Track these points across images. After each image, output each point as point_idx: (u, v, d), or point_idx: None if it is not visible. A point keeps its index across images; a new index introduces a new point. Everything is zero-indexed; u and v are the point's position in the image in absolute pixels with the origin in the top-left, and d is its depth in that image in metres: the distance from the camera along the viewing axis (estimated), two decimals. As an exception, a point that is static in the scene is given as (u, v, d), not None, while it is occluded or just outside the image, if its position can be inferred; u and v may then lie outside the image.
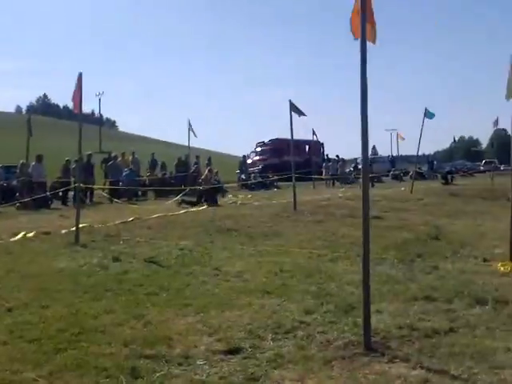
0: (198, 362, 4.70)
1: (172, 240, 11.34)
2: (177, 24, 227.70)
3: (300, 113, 16.98)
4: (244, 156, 39.06)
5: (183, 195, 21.51)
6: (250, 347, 5.02)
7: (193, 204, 19.32)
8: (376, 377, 4.30)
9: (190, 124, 25.07)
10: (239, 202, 21.07)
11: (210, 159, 31.53)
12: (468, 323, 5.61)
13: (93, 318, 6.07)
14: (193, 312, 6.23)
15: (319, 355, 4.77)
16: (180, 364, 4.68)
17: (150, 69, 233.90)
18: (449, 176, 32.12)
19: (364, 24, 4.99)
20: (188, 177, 26.38)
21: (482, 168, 49.15)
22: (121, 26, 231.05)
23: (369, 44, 5.11)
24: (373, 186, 30.55)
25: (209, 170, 23.58)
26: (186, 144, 26.47)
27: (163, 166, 29.37)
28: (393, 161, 47.96)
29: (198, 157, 30.60)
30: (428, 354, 4.76)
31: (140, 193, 25.24)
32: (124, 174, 24.19)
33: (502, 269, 8.18)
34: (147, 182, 26.58)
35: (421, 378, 4.23)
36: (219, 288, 7.39)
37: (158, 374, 4.42)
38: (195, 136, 25.40)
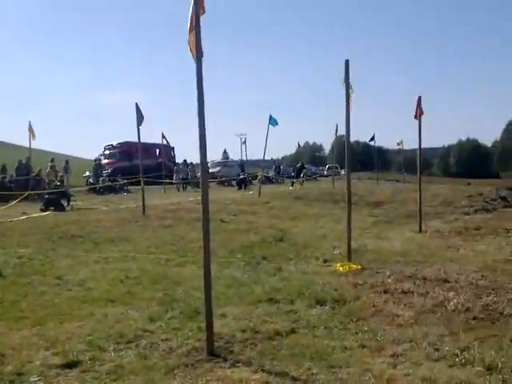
0: (32, 379, 4.42)
1: (10, 248, 10.66)
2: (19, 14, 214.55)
3: (141, 117, 16.75)
4: (96, 159, 37.83)
5: (24, 199, 20.31)
6: (90, 359, 4.82)
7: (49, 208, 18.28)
8: (218, 383, 4.30)
9: (30, 125, 23.77)
10: (86, 206, 20.31)
11: (67, 162, 30.36)
12: (308, 323, 5.81)
13: None
14: (29, 325, 5.88)
15: (161, 364, 4.68)
16: (12, 382, 4.39)
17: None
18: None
19: (199, 40, 4.96)
20: (30, 181, 24.98)
21: (325, 173, 51.64)
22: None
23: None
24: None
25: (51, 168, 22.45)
26: (27, 145, 25.05)
27: (3, 169, 27.56)
28: (242, 165, 48.87)
29: (52, 159, 29.31)
30: (270, 357, 4.85)
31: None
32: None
33: (340, 269, 8.60)
34: (-16, 185, 24.78)
35: (262, 382, 4.30)
36: (59, 298, 7.05)
37: (-15, 395, 4.09)
38: (34, 138, 24.11)
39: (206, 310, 5.09)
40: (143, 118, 16.85)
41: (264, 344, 5.19)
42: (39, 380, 4.40)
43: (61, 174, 27.18)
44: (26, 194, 21.43)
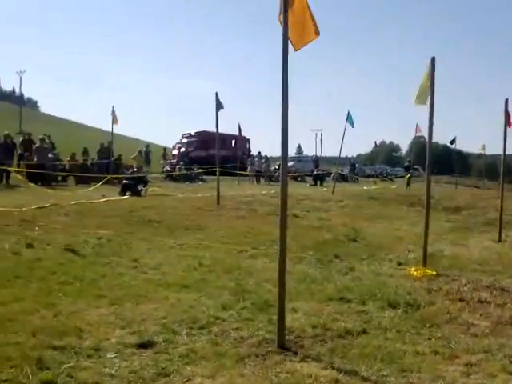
0: (109, 355, 4.58)
1: (90, 229, 11.04)
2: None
3: (220, 106, 16.99)
4: (164, 148, 38.66)
5: (104, 183, 21.00)
6: (164, 341, 4.95)
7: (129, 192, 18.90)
8: (287, 375, 4.32)
9: (113, 110, 24.54)
10: (162, 193, 20.80)
11: (147, 147, 31.34)
12: (380, 325, 5.74)
13: (1, 305, 5.82)
14: (106, 304, 6.09)
15: (232, 352, 4.75)
16: (90, 356, 4.55)
17: (74, 49, 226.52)
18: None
19: (286, 22, 4.96)
20: (110, 164, 25.79)
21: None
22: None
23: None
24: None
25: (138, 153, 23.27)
26: (109, 130, 25.89)
27: (85, 152, 28.53)
28: (317, 161, 48.70)
29: (147, 146, 30.57)
30: (340, 355, 4.83)
31: (60, 178, 24.45)
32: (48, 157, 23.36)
33: (415, 273, 8.44)
34: (67, 167, 25.76)
35: (331, 378, 4.28)
36: (136, 280, 7.27)
37: (65, 366, 4.28)
38: (116, 123, 24.89)
39: (278, 303, 5.12)
40: (223, 106, 17.08)
41: (334, 342, 5.18)
42: (115, 357, 4.56)
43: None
44: (108, 177, 22.11)
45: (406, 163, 39.71)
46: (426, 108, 8.98)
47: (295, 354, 4.80)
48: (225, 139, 36.35)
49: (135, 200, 17.00)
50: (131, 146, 39.22)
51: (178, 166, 33.01)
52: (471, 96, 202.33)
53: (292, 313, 5.91)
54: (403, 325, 5.79)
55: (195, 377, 4.23)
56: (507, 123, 12.66)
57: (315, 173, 35.34)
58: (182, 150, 40.89)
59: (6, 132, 23.05)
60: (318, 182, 32.20)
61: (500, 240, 12.92)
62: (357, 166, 47.60)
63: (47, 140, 25.20)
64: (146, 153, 32.55)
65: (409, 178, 33.46)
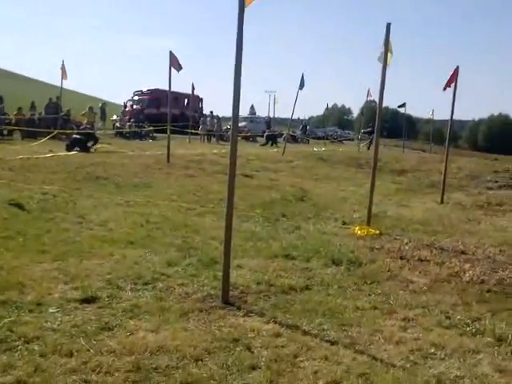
0: (51, 310, 4.56)
1: (35, 184, 10.81)
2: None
3: (178, 67, 16.70)
4: (103, 103, 37.82)
5: (51, 138, 20.51)
6: (107, 297, 4.95)
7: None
8: (230, 329, 4.39)
9: (63, 64, 23.79)
10: (111, 150, 20.46)
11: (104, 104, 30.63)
12: (323, 282, 5.88)
13: None
14: (50, 259, 6.02)
15: (176, 307, 4.80)
16: (31, 311, 4.52)
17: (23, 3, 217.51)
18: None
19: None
20: (59, 119, 25.13)
21: (359, 137, 50.66)
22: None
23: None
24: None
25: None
26: (59, 85, 25.14)
27: (32, 107, 27.71)
28: (268, 122, 48.64)
29: (104, 103, 29.93)
30: (282, 310, 4.94)
31: (5, 132, 23.69)
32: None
33: (358, 232, 8.63)
34: (13, 121, 24.97)
35: (273, 332, 4.38)
36: (81, 236, 7.19)
37: (5, 320, 4.23)
38: (65, 78, 24.15)
39: (224, 259, 5.17)
40: (181, 67, 16.80)
41: (278, 297, 5.29)
42: (58, 312, 4.53)
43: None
44: (55, 132, 21.57)
45: (369, 128, 40.31)
46: (377, 73, 9.11)
47: (239, 309, 4.89)
48: (177, 98, 35.90)
49: (83, 156, 16.66)
50: (83, 102, 38.31)
51: (128, 124, 32.47)
52: (423, 63, 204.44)
53: (237, 269, 5.99)
54: (345, 281, 5.95)
55: (138, 331, 4.26)
56: (446, 86, 12.94)
57: (267, 133, 35.30)
58: (136, 107, 40.13)
59: None
60: (270, 143, 32.20)
61: (442, 202, 13.31)
62: (308, 127, 47.75)
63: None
64: (103, 110, 31.92)
65: (370, 141, 33.99)
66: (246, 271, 6.06)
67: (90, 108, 28.16)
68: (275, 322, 4.62)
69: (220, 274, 5.32)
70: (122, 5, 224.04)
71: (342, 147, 36.69)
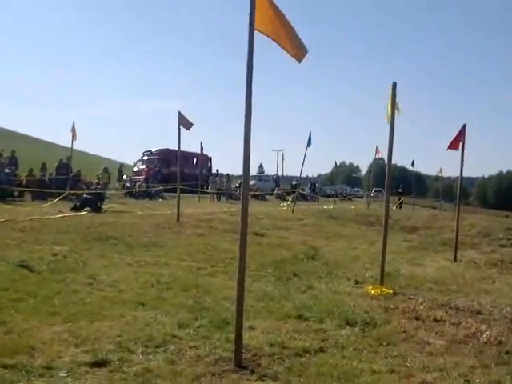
0: (61, 374, 4.47)
1: (46, 245, 10.82)
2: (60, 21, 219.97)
3: (188, 124, 16.94)
4: (121, 165, 38.35)
5: (62, 198, 20.67)
6: (118, 360, 4.85)
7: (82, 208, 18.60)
8: (244, 394, 4.28)
9: (73, 126, 24.20)
10: (121, 210, 20.55)
11: (120, 168, 31.04)
12: (337, 344, 5.75)
13: None
14: (60, 321, 5.95)
15: (189, 370, 4.69)
16: (41, 375, 4.44)
17: (34, 65, 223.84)
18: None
19: (251, 39, 4.98)
20: (69, 180, 25.38)
21: (372, 195, 50.97)
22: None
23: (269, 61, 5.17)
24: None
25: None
26: (69, 146, 25.52)
27: (43, 167, 28.08)
28: (277, 180, 48.97)
29: (106, 168, 30.50)
30: (297, 373, 4.82)
31: (16, 193, 23.93)
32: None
33: (372, 292, 8.51)
34: (24, 182, 25.24)
35: (287, 397, 4.27)
36: (91, 297, 7.12)
37: (15, 385, 4.15)
38: (75, 139, 24.52)
39: (236, 321, 5.09)
40: (192, 123, 17.04)
41: (292, 360, 5.16)
42: (68, 376, 4.45)
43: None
44: (66, 192, 21.77)
45: (400, 189, 41.54)
46: (385, 130, 9.20)
47: (252, 372, 4.77)
48: (186, 157, 36.29)
49: (93, 216, 16.73)
50: (93, 163, 38.81)
51: (138, 183, 32.73)
52: (430, 119, 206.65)
53: (250, 331, 5.88)
54: (360, 343, 5.82)
55: (150, 396, 4.16)
56: (455, 146, 12.99)
57: (276, 191, 35.48)
58: (147, 167, 40.52)
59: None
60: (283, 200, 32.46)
61: (455, 260, 13.16)
62: (317, 185, 47.99)
63: (4, 155, 24.80)
64: (120, 171, 32.48)
65: (401, 202, 35.52)
66: (258, 333, 5.95)
67: (105, 169, 28.61)
68: (289, 387, 4.50)
69: (232, 335, 5.23)
70: (130, 69, 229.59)
71: (352, 205, 36.68)
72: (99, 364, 4.74)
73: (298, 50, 5.26)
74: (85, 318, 6.10)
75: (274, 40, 5.17)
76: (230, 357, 5.02)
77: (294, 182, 42.78)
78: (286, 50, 5.17)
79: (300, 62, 5.31)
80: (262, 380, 4.62)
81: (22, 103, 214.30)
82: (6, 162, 24.38)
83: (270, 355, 5.25)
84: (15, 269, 8.47)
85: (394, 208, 32.37)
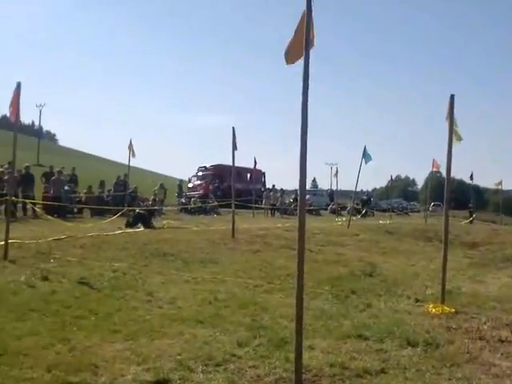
0: (124, 393, 4.52)
1: (105, 261, 11.03)
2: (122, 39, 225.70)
3: (235, 145, 17.19)
4: (180, 180, 38.97)
5: (120, 215, 21.10)
6: (179, 379, 4.88)
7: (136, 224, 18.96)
8: (305, 416, 4.22)
9: (131, 143, 24.74)
10: (176, 226, 20.82)
11: (162, 185, 31.61)
12: (399, 364, 5.62)
13: (16, 339, 5.80)
14: (121, 339, 6.04)
15: (249, 391, 4.67)
16: (105, 394, 4.49)
17: (92, 85, 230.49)
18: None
19: (307, 57, 4.98)
20: (126, 197, 25.91)
21: (430, 209, 50.00)
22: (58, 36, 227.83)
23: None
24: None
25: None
26: (126, 163, 26.09)
27: (101, 184, 28.80)
28: (331, 194, 48.62)
29: (162, 184, 31.06)
30: (358, 395, 4.73)
31: (75, 210, 24.60)
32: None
33: (433, 310, 8.30)
34: (83, 199, 25.94)
35: (350, 419, 4.18)
36: (151, 314, 7.21)
37: (80, 404, 4.22)
38: (134, 156, 25.04)
39: (296, 340, 5.02)
40: (236, 148, 17.30)
41: (353, 381, 5.08)
42: (130, 394, 4.50)
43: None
44: (125, 209, 22.21)
45: (470, 205, 41.52)
46: (442, 143, 9.02)
47: (313, 393, 4.71)
48: (240, 172, 36.49)
49: (150, 233, 17.00)
50: (144, 178, 39.53)
51: (192, 199, 33.10)
52: (487, 131, 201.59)
53: (309, 350, 5.81)
54: (423, 364, 5.67)
55: (211, 416, 4.15)
56: None
57: (331, 206, 35.22)
58: (197, 182, 40.98)
59: (26, 164, 23.39)
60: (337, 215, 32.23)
61: (519, 277, 12.72)
62: (372, 199, 47.38)
63: (64, 172, 25.56)
64: (180, 187, 33.12)
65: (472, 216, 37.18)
66: (318, 352, 5.87)
67: (161, 185, 29.14)
68: (352, 409, 4.41)
69: (291, 355, 5.17)
70: (182, 83, 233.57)
71: (409, 219, 36.05)
72: (161, 383, 4.78)
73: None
74: (145, 336, 6.17)
75: None
76: (290, 377, 4.96)
77: (365, 197, 42.74)
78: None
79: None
80: (324, 402, 4.55)
81: (82, 123, 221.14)
82: (66, 180, 25.09)
83: (331, 376, 5.18)
84: (77, 286, 8.68)
85: (463, 223, 32.05)
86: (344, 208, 38.27)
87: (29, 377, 4.74)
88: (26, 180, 22.13)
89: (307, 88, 5.02)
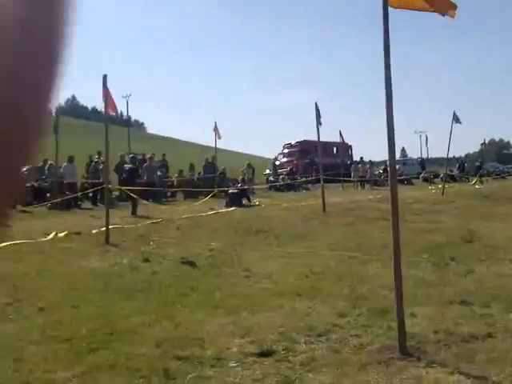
0: (231, 364, 4.64)
1: (201, 241, 11.32)
2: (203, 24, 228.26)
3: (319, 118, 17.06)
4: (275, 158, 39.32)
5: (211, 196, 21.57)
6: (283, 350, 4.95)
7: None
8: (413, 381, 4.19)
9: (216, 126, 25.13)
10: (267, 203, 21.00)
11: (249, 164, 31.98)
12: (506, 329, 5.43)
13: (124, 318, 6.07)
14: (224, 313, 6.18)
15: (354, 359, 4.67)
16: (212, 366, 4.63)
17: (175, 70, 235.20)
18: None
19: (386, 17, 4.86)
20: (216, 178, 26.42)
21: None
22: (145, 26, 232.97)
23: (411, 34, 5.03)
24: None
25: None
26: (213, 145, 26.54)
27: (191, 168, 29.52)
28: (422, 163, 47.35)
29: (249, 164, 31.51)
30: (466, 360, 4.62)
31: (169, 194, 25.42)
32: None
33: (539, 273, 7.95)
34: (175, 183, 26.72)
35: (459, 384, 4.11)
36: (250, 290, 7.34)
37: (190, 376, 4.37)
38: (219, 138, 25.43)
39: (396, 308, 4.98)
40: (320, 122, 17.19)
41: (459, 346, 4.95)
42: (237, 366, 4.61)
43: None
44: (216, 190, 22.68)
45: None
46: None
47: (419, 359, 4.64)
48: (326, 147, 36.24)
49: (242, 211, 17.27)
50: (232, 159, 40.08)
51: (281, 176, 33.23)
52: None
53: (411, 318, 5.72)
54: (532, 327, 5.46)
55: (318, 384, 4.19)
56: None
57: (423, 175, 34.36)
58: (284, 160, 41.07)
59: (121, 153, 24.39)
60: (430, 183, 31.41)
61: None
62: (466, 165, 45.74)
63: (155, 159, 26.39)
64: (274, 165, 33.51)
65: None
66: (420, 319, 5.78)
67: (249, 164, 29.48)
68: (460, 373, 4.32)
69: (393, 323, 5.13)
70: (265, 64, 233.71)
71: (505, 183, 34.57)
72: (265, 354, 4.86)
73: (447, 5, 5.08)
74: (246, 310, 6.29)
75: (413, 9, 5.03)
76: (394, 344, 4.92)
77: (477, 163, 41.30)
78: (433, 11, 5.00)
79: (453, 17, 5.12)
80: (431, 367, 4.48)
81: (168, 110, 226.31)
82: (157, 166, 25.90)
83: (436, 342, 5.08)
84: (176, 266, 8.97)
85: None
86: (437, 176, 37.21)
87: (139, 352, 4.95)
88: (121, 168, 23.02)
89: (388, 48, 4.92)
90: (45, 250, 10.55)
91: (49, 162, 22.99)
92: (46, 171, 22.88)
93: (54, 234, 12.28)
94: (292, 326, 5.65)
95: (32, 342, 5.30)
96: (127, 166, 19.65)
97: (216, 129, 25.31)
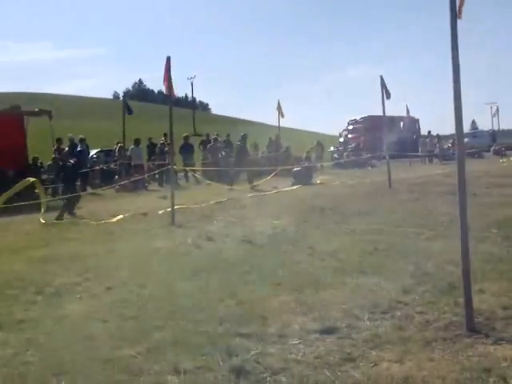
0: (293, 341, 4.64)
1: (265, 219, 11.34)
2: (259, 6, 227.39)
3: (387, 94, 16.67)
4: (340, 135, 38.96)
5: (274, 175, 21.59)
6: (346, 327, 4.91)
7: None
8: (480, 359, 4.07)
9: (279, 104, 25.03)
10: (331, 181, 20.84)
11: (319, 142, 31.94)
12: None
13: (187, 296, 6.17)
14: (286, 291, 6.19)
15: (418, 336, 4.58)
16: (275, 343, 4.65)
17: (237, 50, 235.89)
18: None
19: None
20: (279, 157, 26.40)
21: None
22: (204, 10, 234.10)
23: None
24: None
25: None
26: (276, 124, 26.49)
27: (255, 147, 29.62)
28: (494, 135, 45.68)
29: (319, 141, 31.47)
30: (536, 337, 4.46)
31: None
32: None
33: None
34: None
35: (530, 361, 3.96)
36: (313, 267, 7.31)
37: (253, 352, 4.41)
38: (283, 116, 25.32)
39: (464, 284, 4.83)
40: (390, 93, 16.81)
41: (530, 324, 4.78)
42: (300, 343, 4.61)
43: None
44: (279, 169, 22.68)
45: None
46: None
47: (487, 336, 4.51)
48: (392, 122, 35.52)
49: (306, 189, 17.21)
50: (296, 137, 39.96)
51: (345, 153, 32.86)
52: None
53: (479, 294, 5.55)
54: None
55: (382, 361, 4.14)
56: None
57: (493, 147, 33.21)
58: (350, 136, 40.59)
59: (186, 134, 24.74)
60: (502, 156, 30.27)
61: None
62: None
63: (219, 139, 26.62)
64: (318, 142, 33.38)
65: None
66: (488, 296, 5.60)
67: (318, 142, 29.36)
68: (531, 351, 4.17)
69: (460, 299, 5.00)
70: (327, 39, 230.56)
71: None
72: (328, 331, 4.84)
73: None
74: (309, 288, 6.27)
75: None
76: (461, 321, 4.79)
77: None
78: None
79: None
80: (499, 344, 4.34)
81: (231, 90, 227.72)
82: (222, 146, 26.13)
83: (505, 318, 4.92)
84: (240, 244, 9.04)
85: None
86: (509, 148, 35.86)
87: (203, 330, 5.03)
88: (186, 149, 23.38)
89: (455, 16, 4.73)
90: (113, 231, 10.86)
91: (119, 145, 23.60)
92: (117, 153, 23.52)
93: (121, 215, 12.61)
94: (356, 302, 5.60)
95: (99, 319, 5.49)
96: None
97: (279, 107, 25.24)
